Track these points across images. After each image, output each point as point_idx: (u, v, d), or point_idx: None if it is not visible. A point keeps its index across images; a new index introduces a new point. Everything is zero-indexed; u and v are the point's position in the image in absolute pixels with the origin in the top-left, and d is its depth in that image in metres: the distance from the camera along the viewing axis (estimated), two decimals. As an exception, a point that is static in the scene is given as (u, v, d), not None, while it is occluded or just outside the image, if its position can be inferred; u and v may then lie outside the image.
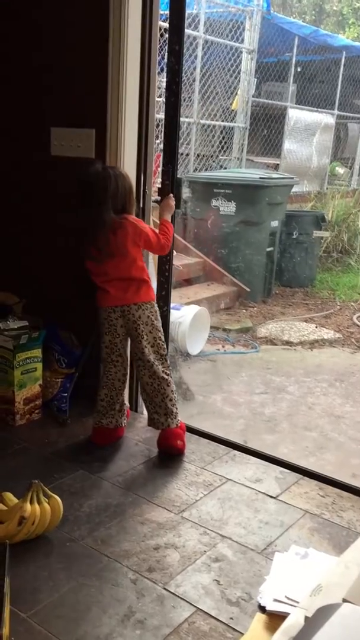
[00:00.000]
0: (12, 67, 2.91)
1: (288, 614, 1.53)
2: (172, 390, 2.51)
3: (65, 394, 2.79)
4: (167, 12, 2.52)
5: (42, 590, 1.74)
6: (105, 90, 2.54)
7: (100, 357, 2.52)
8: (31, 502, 1.93)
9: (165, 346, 2.51)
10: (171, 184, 2.62)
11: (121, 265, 2.38)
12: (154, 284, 2.60)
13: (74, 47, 2.65)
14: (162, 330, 2.50)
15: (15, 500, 2.02)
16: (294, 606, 1.56)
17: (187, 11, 6.22)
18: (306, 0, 15.20)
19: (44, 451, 2.50)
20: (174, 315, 3.91)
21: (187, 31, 6.19)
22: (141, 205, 2.68)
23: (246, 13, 6.87)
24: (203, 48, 6.35)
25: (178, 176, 2.65)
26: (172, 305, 4.03)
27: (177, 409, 2.53)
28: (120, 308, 2.41)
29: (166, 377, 2.49)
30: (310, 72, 8.50)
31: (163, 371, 2.49)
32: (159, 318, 2.49)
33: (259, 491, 2.29)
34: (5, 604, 1.48)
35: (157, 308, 2.49)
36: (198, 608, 1.70)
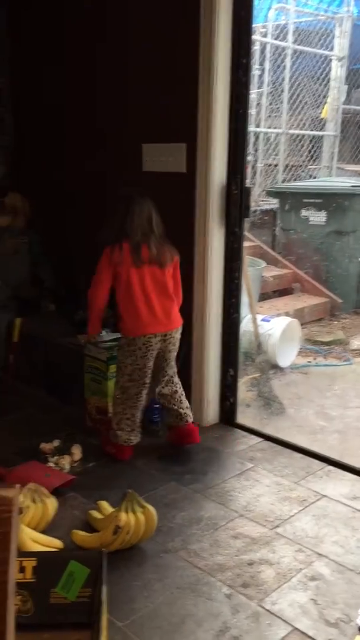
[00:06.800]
0: (102, 85, 3.00)
1: (391, 639, 1.46)
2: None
3: (157, 405, 2.81)
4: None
5: (137, 600, 1.75)
6: (196, 104, 2.57)
7: (128, 379, 2.49)
8: (126, 512, 1.95)
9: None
10: (240, 193, 2.64)
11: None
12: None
13: (163, 62, 2.69)
14: None
15: (110, 509, 2.05)
16: None
17: (276, 22, 6.23)
18: None
19: (136, 462, 2.52)
20: (263, 327, 3.86)
21: (275, 42, 6.16)
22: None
23: (336, 20, 6.75)
24: (291, 58, 6.30)
25: (248, 186, 2.69)
26: (262, 317, 4.00)
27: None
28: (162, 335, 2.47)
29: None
30: None
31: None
32: None
33: (356, 509, 2.20)
34: (103, 613, 1.50)
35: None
36: (295, 627, 1.66)
